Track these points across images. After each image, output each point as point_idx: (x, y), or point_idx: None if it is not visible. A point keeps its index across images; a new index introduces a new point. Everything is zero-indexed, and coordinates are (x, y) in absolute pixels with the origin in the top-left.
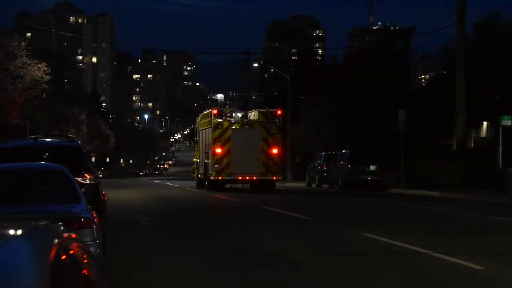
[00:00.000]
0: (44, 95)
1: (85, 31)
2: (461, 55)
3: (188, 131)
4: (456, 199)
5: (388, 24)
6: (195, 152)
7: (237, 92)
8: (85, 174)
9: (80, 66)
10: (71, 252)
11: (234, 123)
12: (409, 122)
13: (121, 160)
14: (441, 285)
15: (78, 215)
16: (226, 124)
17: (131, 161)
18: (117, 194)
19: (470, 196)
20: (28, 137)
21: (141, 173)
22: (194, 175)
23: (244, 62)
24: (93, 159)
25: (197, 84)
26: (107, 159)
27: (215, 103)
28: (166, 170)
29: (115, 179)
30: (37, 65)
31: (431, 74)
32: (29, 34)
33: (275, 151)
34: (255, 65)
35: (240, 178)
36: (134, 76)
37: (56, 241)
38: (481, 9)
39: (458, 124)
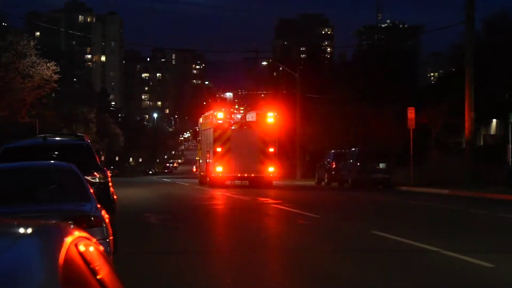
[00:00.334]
0: (54, 94)
1: (94, 30)
2: (470, 53)
3: (191, 131)
4: (466, 196)
5: (397, 22)
6: (197, 151)
7: (246, 91)
8: (95, 173)
9: (89, 65)
10: (81, 250)
11: (233, 124)
12: (418, 120)
13: (131, 159)
14: (451, 283)
15: (88, 213)
16: (226, 125)
17: (140, 160)
18: (127, 193)
19: (480, 194)
20: (37, 136)
21: (150, 172)
22: (197, 172)
23: (253, 61)
24: (102, 158)
25: (206, 82)
26: (117, 158)
27: (224, 102)
28: (176, 169)
29: (125, 178)
30: (46, 64)
31: (440, 71)
32: (38, 33)
33: (271, 150)
34: (264, 63)
35: (239, 175)
36: (143, 75)
37: (66, 239)
38: (490, 6)
39: (468, 122)
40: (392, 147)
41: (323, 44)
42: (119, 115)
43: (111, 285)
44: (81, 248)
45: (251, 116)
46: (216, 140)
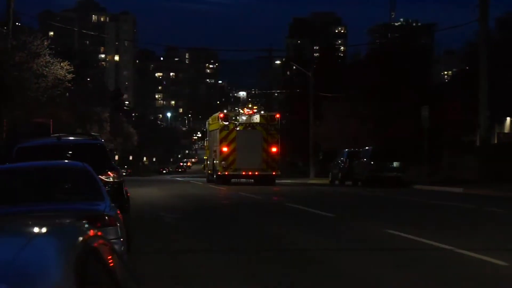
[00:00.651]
0: (67, 94)
1: (107, 29)
2: (483, 50)
3: (200, 134)
4: (480, 194)
5: (410, 20)
6: (205, 151)
7: (260, 90)
8: (109, 172)
9: (102, 64)
10: (96, 250)
11: (239, 125)
12: (432, 118)
13: (144, 158)
14: (465, 281)
15: (102, 213)
16: (231, 126)
17: (154, 159)
18: (141, 192)
19: (495, 192)
20: (51, 135)
21: (164, 171)
22: (205, 171)
23: (266, 59)
24: (116, 157)
25: (220, 81)
26: (130, 157)
27: (237, 101)
28: (189, 168)
29: (138, 177)
30: (60, 64)
31: (454, 70)
32: (52, 33)
33: (274, 149)
34: (278, 62)
35: (244, 173)
36: (157, 74)
37: (80, 238)
38: (504, 4)
39: (482, 120)
40: (406, 145)
41: (337, 42)
42: (133, 114)
43: (125, 284)
44: (96, 247)
45: (255, 118)
46: (222, 140)
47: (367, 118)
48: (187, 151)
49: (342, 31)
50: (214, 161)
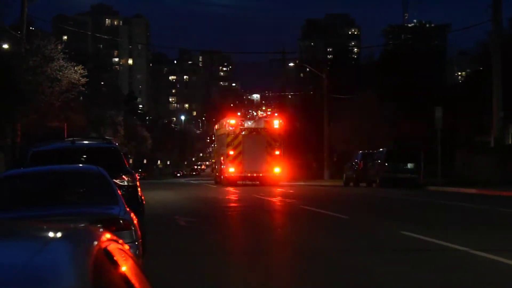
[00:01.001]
0: (81, 98)
1: (120, 33)
2: (497, 51)
3: (214, 137)
4: (495, 195)
5: (423, 21)
6: (213, 154)
7: (273, 92)
8: (123, 176)
9: (116, 68)
10: (111, 254)
11: (244, 130)
12: (446, 119)
13: (159, 162)
14: (480, 282)
15: (117, 216)
16: (237, 131)
17: (168, 163)
18: (155, 195)
19: (510, 193)
20: (66, 139)
21: (178, 174)
22: (213, 173)
23: (279, 62)
24: (130, 161)
25: (233, 84)
26: (145, 161)
27: (251, 103)
28: (203, 171)
29: (153, 181)
30: (74, 68)
31: (468, 70)
32: (65, 37)
33: (277, 152)
34: (291, 64)
35: (249, 175)
36: (170, 77)
37: (95, 243)
38: None
39: (496, 120)
40: (420, 146)
41: (350, 44)
42: (147, 117)
43: None
44: (110, 251)
45: (259, 123)
46: (229, 144)
47: (381, 119)
48: (201, 154)
49: (355, 32)
50: (221, 162)
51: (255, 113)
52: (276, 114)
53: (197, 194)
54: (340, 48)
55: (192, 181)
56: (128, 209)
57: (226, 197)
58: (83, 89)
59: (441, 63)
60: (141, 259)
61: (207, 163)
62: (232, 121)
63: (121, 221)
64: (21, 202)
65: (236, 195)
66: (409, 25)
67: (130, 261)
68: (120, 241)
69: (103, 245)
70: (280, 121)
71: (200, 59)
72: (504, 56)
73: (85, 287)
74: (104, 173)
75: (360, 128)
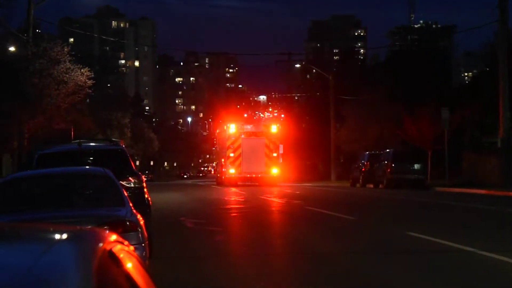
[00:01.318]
0: (88, 100)
1: (127, 35)
2: (503, 51)
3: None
4: (502, 196)
5: (429, 22)
6: (215, 156)
7: (280, 93)
8: (130, 178)
9: (122, 70)
10: (117, 256)
11: (243, 133)
12: (452, 120)
13: (165, 163)
14: (488, 283)
15: (123, 218)
16: (237, 134)
17: (175, 164)
18: (162, 197)
19: None
20: (72, 141)
21: (185, 176)
22: (214, 174)
23: (286, 63)
24: (137, 163)
25: (240, 86)
26: (151, 163)
27: (257, 105)
28: (210, 172)
29: (159, 182)
30: (80, 70)
31: (474, 71)
32: (72, 39)
33: (275, 154)
34: (297, 65)
35: (249, 176)
36: (177, 79)
37: (101, 245)
38: None
39: (503, 121)
40: (427, 147)
41: (356, 45)
42: (153, 119)
43: None
44: (116, 253)
45: (258, 127)
46: (229, 147)
47: (387, 120)
48: (207, 156)
49: (361, 33)
50: (222, 164)
51: (261, 115)
52: (282, 116)
53: (204, 195)
54: (346, 49)
55: (199, 183)
56: (134, 211)
57: (233, 199)
58: (90, 91)
59: (447, 64)
60: (148, 261)
61: (214, 164)
62: (233, 126)
63: (127, 223)
64: (28, 204)
65: (242, 197)
66: (416, 26)
67: (136, 263)
68: (126, 242)
69: (108, 247)
70: (278, 125)
71: (207, 61)
72: (510, 57)
73: None
74: (110, 175)
75: (367, 129)
